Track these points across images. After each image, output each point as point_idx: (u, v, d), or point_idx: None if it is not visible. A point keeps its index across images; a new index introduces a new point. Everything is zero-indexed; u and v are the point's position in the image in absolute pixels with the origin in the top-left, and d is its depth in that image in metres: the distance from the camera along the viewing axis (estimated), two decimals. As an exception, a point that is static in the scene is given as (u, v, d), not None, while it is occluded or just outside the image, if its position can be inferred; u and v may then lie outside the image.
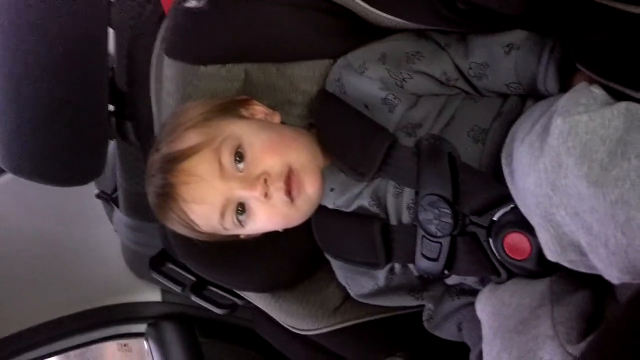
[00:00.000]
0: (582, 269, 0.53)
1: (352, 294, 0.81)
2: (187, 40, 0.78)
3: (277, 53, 0.78)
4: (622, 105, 0.49)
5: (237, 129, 0.70)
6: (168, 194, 0.70)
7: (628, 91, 0.51)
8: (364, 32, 0.75)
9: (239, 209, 0.70)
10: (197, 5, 0.75)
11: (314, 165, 0.72)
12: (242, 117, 0.73)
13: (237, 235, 0.77)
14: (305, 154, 0.72)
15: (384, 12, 0.68)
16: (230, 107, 0.74)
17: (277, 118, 0.76)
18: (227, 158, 0.68)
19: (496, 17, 0.62)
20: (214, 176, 0.68)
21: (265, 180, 0.68)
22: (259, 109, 0.76)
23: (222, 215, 0.70)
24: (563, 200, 0.50)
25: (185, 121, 0.72)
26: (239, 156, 0.69)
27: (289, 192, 0.69)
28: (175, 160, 0.69)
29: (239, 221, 0.71)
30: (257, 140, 0.69)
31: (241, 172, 0.69)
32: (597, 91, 0.52)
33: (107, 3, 0.96)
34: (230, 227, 0.72)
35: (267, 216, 0.70)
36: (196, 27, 0.76)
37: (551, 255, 0.54)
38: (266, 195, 0.68)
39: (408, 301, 0.78)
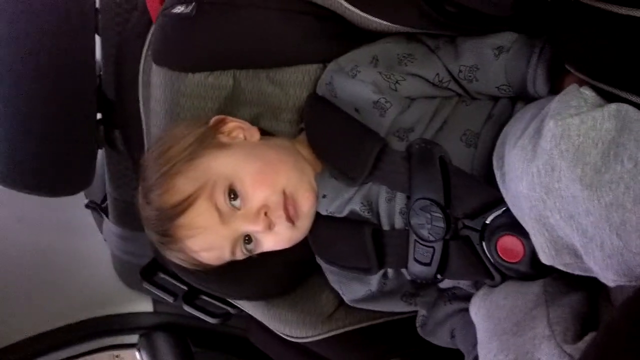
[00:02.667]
0: (577, 272, 0.53)
1: (345, 299, 0.81)
2: (174, 47, 0.78)
3: (266, 59, 0.77)
4: (613, 106, 0.49)
5: (223, 167, 0.69)
6: (173, 248, 0.72)
7: (618, 92, 0.51)
8: (353, 37, 0.74)
9: (246, 239, 0.71)
10: (184, 11, 0.74)
11: (304, 181, 0.72)
12: (223, 145, 0.72)
13: None
14: (294, 173, 0.71)
15: (372, 16, 0.68)
16: (209, 136, 0.72)
17: (256, 134, 0.75)
18: (223, 202, 0.68)
19: (485, 19, 0.62)
20: (216, 223, 0.68)
21: (266, 213, 0.68)
22: (235, 126, 0.74)
23: (233, 252, 0.72)
24: (557, 203, 0.50)
25: (169, 162, 0.70)
26: (233, 194, 0.69)
27: (289, 217, 0.69)
28: (172, 217, 0.69)
29: (249, 250, 0.73)
30: (246, 174, 0.69)
31: (239, 208, 0.69)
32: (588, 93, 0.52)
33: (94, 10, 0.95)
34: (241, 257, 0.73)
35: (274, 242, 0.72)
36: (183, 33, 0.76)
37: (546, 258, 0.54)
38: (270, 226, 0.69)
39: (401, 307, 0.77)
